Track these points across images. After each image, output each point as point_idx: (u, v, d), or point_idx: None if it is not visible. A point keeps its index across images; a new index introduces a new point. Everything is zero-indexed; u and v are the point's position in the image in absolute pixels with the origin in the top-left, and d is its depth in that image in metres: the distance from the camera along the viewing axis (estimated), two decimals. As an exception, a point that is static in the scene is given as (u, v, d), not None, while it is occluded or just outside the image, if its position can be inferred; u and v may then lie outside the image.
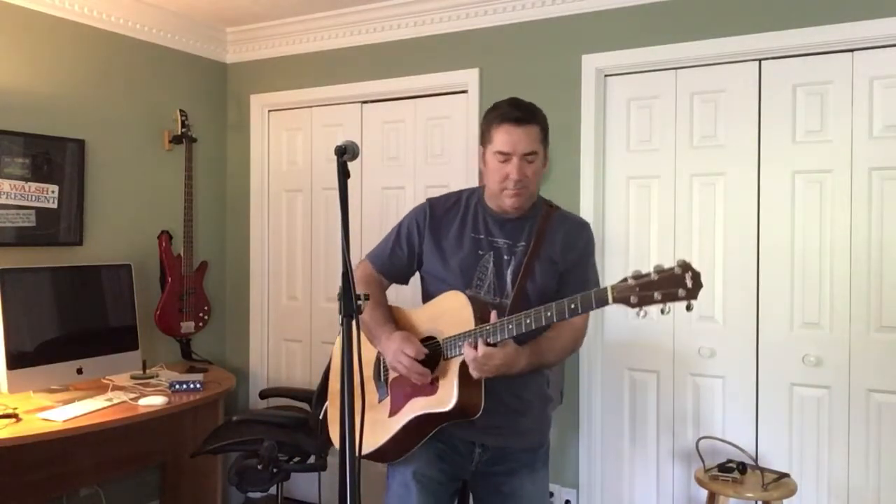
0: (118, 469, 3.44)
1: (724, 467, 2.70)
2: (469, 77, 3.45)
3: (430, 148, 3.62)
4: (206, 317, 3.86)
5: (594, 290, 1.64)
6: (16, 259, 3.10)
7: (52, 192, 3.28)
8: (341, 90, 3.80)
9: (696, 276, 1.47)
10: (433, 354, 1.90)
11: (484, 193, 2.03)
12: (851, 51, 2.77)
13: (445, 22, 3.49)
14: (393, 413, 1.95)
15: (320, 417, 2.80)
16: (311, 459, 3.11)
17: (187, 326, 3.74)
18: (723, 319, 3.01)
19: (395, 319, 2.05)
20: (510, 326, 1.74)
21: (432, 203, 2.07)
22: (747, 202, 2.95)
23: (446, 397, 1.82)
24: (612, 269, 3.21)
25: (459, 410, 1.80)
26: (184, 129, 3.79)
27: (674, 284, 1.48)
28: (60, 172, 3.31)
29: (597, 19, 3.18)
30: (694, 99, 3.05)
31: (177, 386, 3.20)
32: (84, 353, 3.13)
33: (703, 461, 2.75)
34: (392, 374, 2.00)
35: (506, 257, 1.94)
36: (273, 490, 3.30)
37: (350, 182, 1.65)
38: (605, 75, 3.21)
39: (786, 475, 2.68)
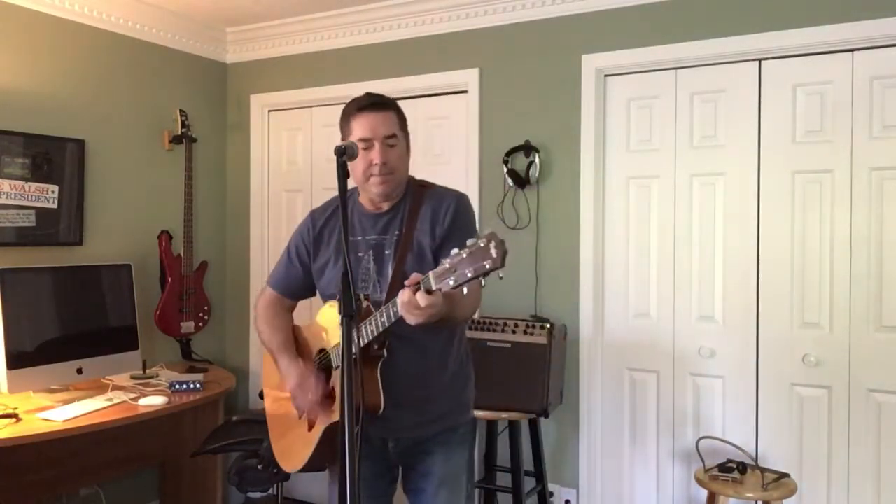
0: (118, 469, 3.44)
1: (724, 467, 2.70)
2: (469, 77, 3.45)
3: (429, 148, 3.61)
4: (206, 317, 3.86)
5: (422, 280, 1.60)
6: (16, 259, 3.10)
7: (52, 192, 3.28)
8: (341, 90, 3.79)
9: (500, 244, 1.44)
10: (328, 366, 1.96)
11: (358, 194, 2.03)
12: (851, 51, 2.77)
13: (445, 22, 3.49)
14: (310, 427, 2.00)
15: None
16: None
17: (187, 326, 3.74)
18: (723, 319, 3.01)
19: (296, 338, 2.11)
20: (381, 320, 1.73)
21: (314, 216, 2.10)
22: (747, 202, 2.95)
23: (337, 407, 1.85)
24: (613, 269, 3.21)
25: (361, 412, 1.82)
26: (184, 129, 3.79)
27: (481, 258, 1.45)
28: (60, 172, 3.31)
29: (597, 19, 3.18)
30: (694, 99, 3.05)
31: (177, 386, 3.20)
32: (84, 353, 3.13)
33: (703, 461, 2.75)
34: None
35: (386, 252, 1.94)
36: (273, 490, 3.30)
37: (350, 182, 1.65)
38: (605, 75, 3.20)
39: (786, 475, 2.68)
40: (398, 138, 1.92)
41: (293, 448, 2.07)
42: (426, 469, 1.99)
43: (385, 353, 1.81)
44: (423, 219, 1.93)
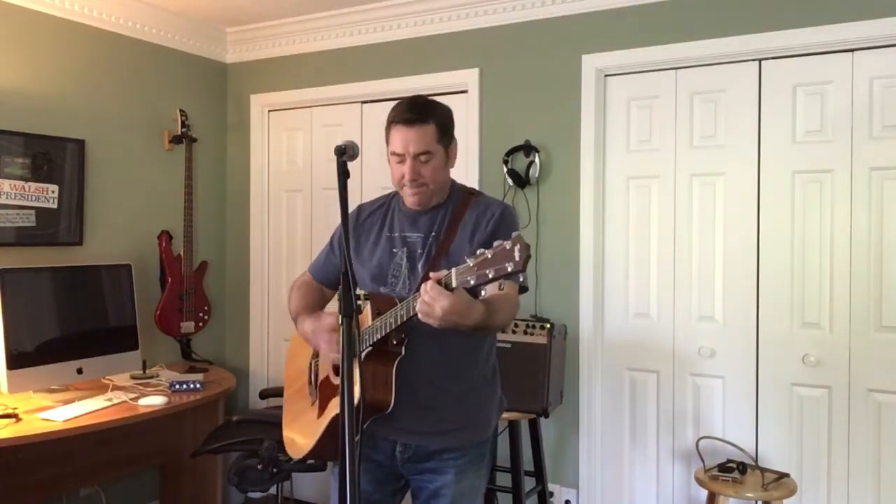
0: (118, 469, 3.44)
1: (724, 467, 2.70)
2: (469, 77, 3.45)
3: (430, 148, 3.61)
4: (206, 317, 3.86)
5: (444, 276, 1.58)
6: (16, 259, 3.10)
7: (52, 192, 3.28)
8: (341, 90, 3.80)
9: (525, 248, 1.42)
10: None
11: None
12: (851, 51, 2.77)
13: (445, 22, 3.49)
14: (320, 415, 1.98)
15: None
16: (311, 459, 3.11)
17: (187, 326, 3.74)
18: (723, 319, 3.01)
19: None
20: (401, 313, 1.72)
21: (360, 208, 2.09)
22: (747, 202, 2.95)
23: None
24: (612, 269, 3.21)
25: (367, 407, 1.79)
26: (184, 129, 3.79)
27: (504, 259, 1.44)
28: (60, 172, 3.31)
29: (597, 19, 3.18)
30: (694, 99, 3.05)
31: (177, 386, 3.20)
32: (84, 353, 3.13)
33: (703, 461, 2.75)
34: (321, 377, 2.02)
35: (419, 251, 1.93)
36: (273, 490, 3.30)
37: (350, 182, 1.65)
38: (605, 75, 3.20)
39: (786, 475, 2.68)
40: (432, 154, 1.88)
41: (302, 433, 2.06)
42: (436, 490, 1.95)
43: (403, 351, 1.79)
44: (465, 226, 1.92)
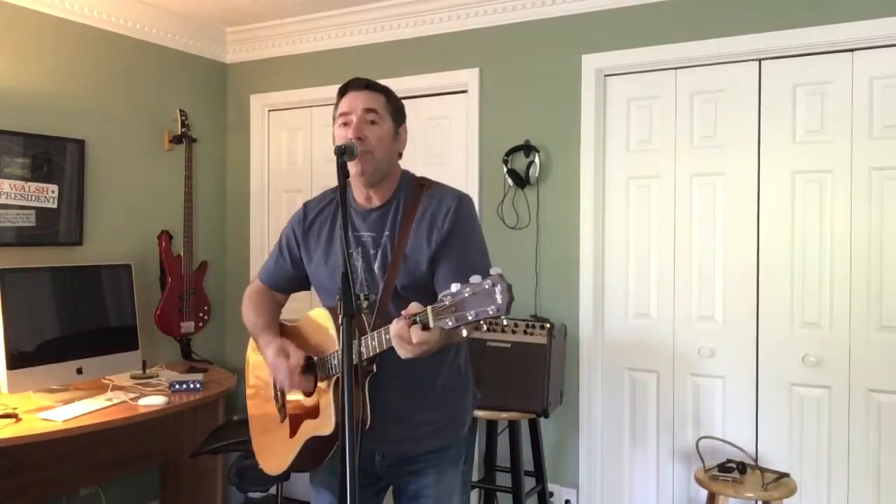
0: (118, 469, 3.44)
1: (724, 467, 2.70)
2: (469, 77, 3.45)
3: (430, 148, 3.61)
4: (206, 317, 3.86)
5: (419, 314, 1.49)
6: (16, 259, 3.10)
7: (52, 192, 3.28)
8: (341, 90, 3.79)
9: (506, 290, 1.36)
10: (313, 376, 1.89)
11: (352, 189, 1.91)
12: (851, 51, 2.77)
13: (445, 22, 3.49)
14: (292, 434, 1.93)
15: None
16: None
17: (187, 326, 3.74)
18: (723, 319, 3.01)
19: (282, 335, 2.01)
20: (373, 343, 1.64)
21: (306, 206, 1.99)
22: (747, 202, 2.95)
23: (327, 420, 1.78)
24: (612, 269, 3.21)
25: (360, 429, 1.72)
26: (184, 129, 3.79)
27: (484, 301, 1.37)
28: (60, 172, 3.31)
29: (597, 19, 3.18)
30: (694, 99, 3.05)
31: (177, 386, 3.20)
32: (84, 353, 3.13)
33: (703, 461, 2.75)
34: (288, 396, 1.97)
35: (372, 251, 1.84)
36: (273, 490, 3.30)
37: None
38: (605, 75, 3.21)
39: (786, 475, 2.68)
40: (380, 115, 1.79)
41: (273, 450, 2.00)
42: (417, 491, 1.92)
43: (374, 369, 1.73)
44: (420, 223, 1.82)
